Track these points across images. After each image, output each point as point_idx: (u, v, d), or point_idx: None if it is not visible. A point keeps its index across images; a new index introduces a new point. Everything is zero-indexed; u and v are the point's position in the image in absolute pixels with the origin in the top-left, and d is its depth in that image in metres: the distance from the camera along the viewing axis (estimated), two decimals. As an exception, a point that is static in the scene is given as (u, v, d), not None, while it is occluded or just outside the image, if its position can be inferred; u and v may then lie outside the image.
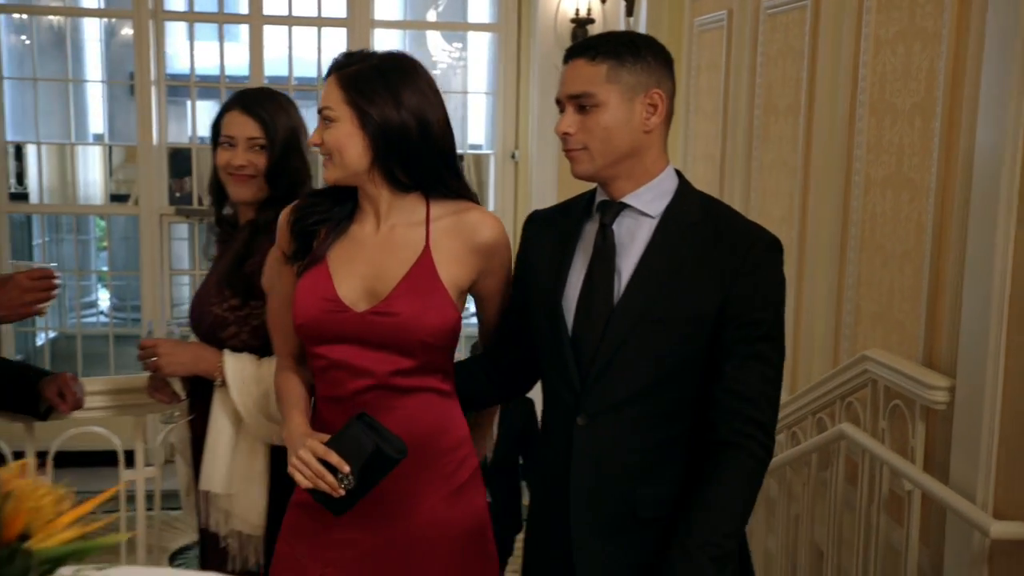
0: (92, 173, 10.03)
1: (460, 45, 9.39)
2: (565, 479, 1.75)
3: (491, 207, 7.74)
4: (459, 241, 1.88)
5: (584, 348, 1.74)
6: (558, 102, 1.77)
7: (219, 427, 2.16)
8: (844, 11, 3.34)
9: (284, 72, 8.20)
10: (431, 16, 9.41)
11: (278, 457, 2.13)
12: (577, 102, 1.73)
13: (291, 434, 1.85)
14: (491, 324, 2.02)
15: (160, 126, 7.69)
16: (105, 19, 9.45)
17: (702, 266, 1.71)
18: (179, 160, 8.49)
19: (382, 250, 1.87)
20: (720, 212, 1.80)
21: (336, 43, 7.85)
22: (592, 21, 6.08)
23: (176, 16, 8.22)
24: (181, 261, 9.09)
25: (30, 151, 8.72)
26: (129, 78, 8.62)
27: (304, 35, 7.96)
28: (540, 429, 1.98)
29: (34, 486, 1.01)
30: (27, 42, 8.46)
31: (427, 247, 1.86)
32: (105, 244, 10.13)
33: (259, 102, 2.29)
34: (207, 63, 8.42)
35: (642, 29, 5.25)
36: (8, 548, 0.98)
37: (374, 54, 1.87)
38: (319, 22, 7.66)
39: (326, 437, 1.77)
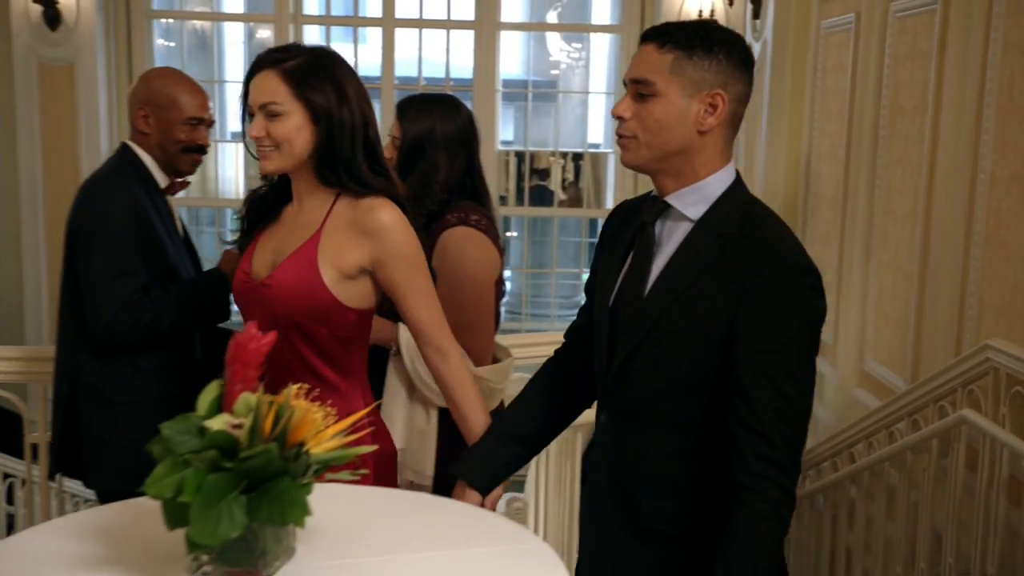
0: (229, 169, 10.58)
1: (579, 45, 9.59)
2: (587, 471, 1.82)
3: (608, 204, 7.94)
4: (349, 225, 1.92)
5: (611, 349, 1.71)
6: (624, 84, 1.70)
7: (394, 390, 2.43)
8: (973, 15, 3.45)
9: (414, 73, 8.54)
10: (551, 17, 9.64)
11: (445, 416, 2.39)
12: (637, 88, 1.65)
13: None
14: (411, 326, 1.99)
15: (297, 124, 8.08)
16: (246, 23, 9.93)
17: (720, 280, 1.61)
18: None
19: (290, 229, 1.96)
20: (756, 224, 1.66)
21: (464, 45, 8.14)
22: (715, 21, 6.22)
23: (314, 20, 8.67)
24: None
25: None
26: (267, 79, 9.10)
27: (433, 37, 8.29)
28: None
29: (307, 406, 1.28)
30: (172, 46, 9.00)
31: (319, 230, 1.91)
32: (240, 236, 10.67)
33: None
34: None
35: (768, 31, 5.38)
36: (294, 450, 1.25)
37: (306, 48, 1.95)
38: (448, 25, 7.96)
39: None
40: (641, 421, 1.69)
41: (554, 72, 10.32)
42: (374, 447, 1.38)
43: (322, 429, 1.29)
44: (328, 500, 1.28)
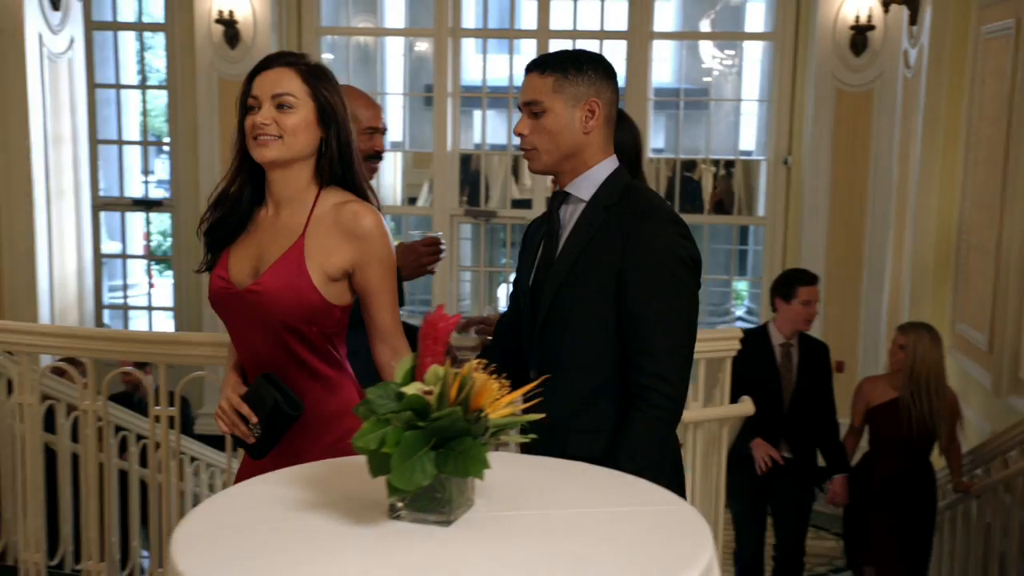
0: (388, 176, 11.05)
1: (732, 52, 9.60)
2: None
3: (760, 212, 7.95)
4: (334, 229, 1.98)
5: (534, 314, 2.08)
6: (519, 108, 2.06)
7: None
8: None
9: (567, 82, 8.75)
10: (704, 25, 9.68)
11: None
12: (530, 109, 2.01)
13: (223, 386, 2.10)
14: (373, 324, 2.07)
15: (454, 134, 8.41)
16: (406, 37, 10.34)
17: (605, 241, 1.98)
18: (466, 165, 9.24)
19: (270, 234, 2.01)
20: (633, 194, 2.05)
21: (616, 54, 8.29)
22: (872, 27, 6.18)
23: (471, 33, 8.99)
24: (465, 259, 9.78)
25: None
26: (425, 90, 9.48)
27: (586, 47, 8.48)
28: None
29: (485, 376, 1.48)
30: (336, 60, 9.49)
31: (303, 235, 1.98)
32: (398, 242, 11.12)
33: None
34: (495, 75, 9.12)
35: (925, 37, 5.34)
36: (475, 414, 1.46)
37: (306, 55, 2.04)
38: (601, 35, 8.12)
39: (244, 391, 2.03)
40: (561, 367, 2.00)
41: (706, 79, 10.36)
42: (542, 415, 1.56)
43: (498, 398, 1.50)
44: (496, 463, 1.48)
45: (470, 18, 9.26)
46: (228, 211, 2.05)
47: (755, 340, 4.10)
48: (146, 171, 9.04)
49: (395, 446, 1.43)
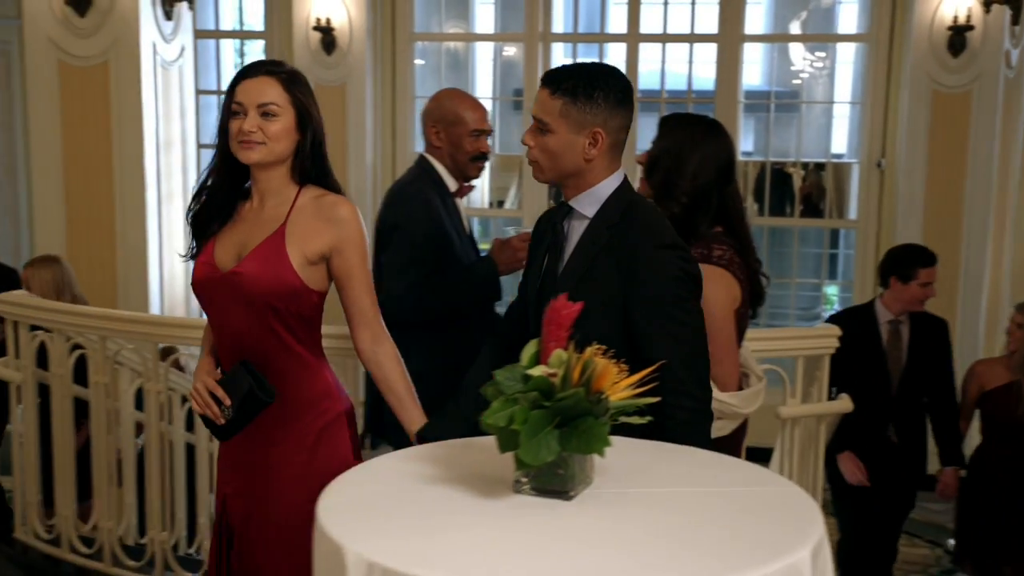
0: (478, 180, 11.19)
1: (823, 54, 9.53)
2: None
3: (852, 215, 7.88)
4: (313, 217, 2.17)
5: (536, 328, 2.05)
6: (533, 118, 2.11)
7: None
8: None
9: (656, 86, 8.79)
10: (795, 27, 9.63)
11: None
12: (538, 124, 2.06)
13: (198, 370, 2.29)
14: (354, 309, 2.24)
15: (544, 137, 8.50)
16: (497, 43, 10.49)
17: (609, 262, 2.03)
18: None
19: (253, 223, 2.19)
20: (635, 214, 2.09)
21: (706, 57, 8.29)
22: (971, 28, 6.09)
23: (561, 37, 9.09)
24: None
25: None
26: (514, 94, 9.61)
27: (675, 51, 8.51)
28: None
29: (606, 361, 1.58)
30: (426, 65, 9.68)
31: (284, 223, 2.16)
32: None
33: None
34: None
35: (1027, 37, 5.26)
36: (596, 396, 1.56)
37: (288, 65, 2.22)
38: (691, 38, 8.14)
39: (219, 376, 2.20)
40: None
41: (796, 82, 10.29)
42: (657, 398, 1.65)
43: (617, 381, 1.59)
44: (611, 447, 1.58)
45: (559, 23, 9.37)
46: (207, 201, 2.24)
47: (860, 318, 3.96)
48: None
49: (523, 424, 1.53)
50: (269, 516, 2.22)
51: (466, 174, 2.98)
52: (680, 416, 1.98)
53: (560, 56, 9.72)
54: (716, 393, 2.39)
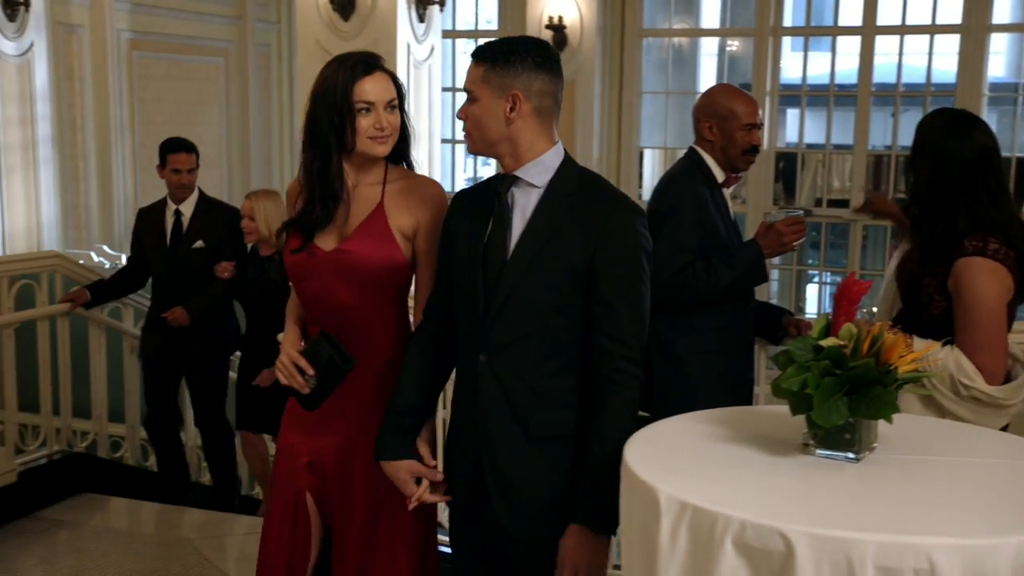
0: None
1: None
2: (473, 404, 2.10)
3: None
4: (408, 195, 2.26)
5: (485, 296, 2.07)
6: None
7: None
8: None
9: (891, 79, 8.58)
10: (1044, 15, 9.12)
11: None
12: (467, 95, 2.10)
13: (284, 342, 2.36)
14: (421, 290, 2.30)
15: (770, 132, 8.49)
16: (719, 37, 10.50)
17: (575, 228, 2.02)
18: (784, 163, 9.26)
19: (349, 206, 2.26)
20: (592, 183, 2.12)
21: (948, 48, 8.02)
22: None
23: (792, 31, 9.02)
24: (786, 257, 9.77)
25: (647, 156, 9.99)
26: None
27: (914, 42, 8.27)
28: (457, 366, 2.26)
29: (896, 338, 1.71)
30: (647, 59, 9.81)
31: (381, 201, 2.25)
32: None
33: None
34: (814, 72, 9.08)
35: None
36: (885, 367, 1.69)
37: (380, 57, 2.29)
38: (932, 29, 7.91)
39: (302, 347, 2.28)
40: (523, 350, 2.06)
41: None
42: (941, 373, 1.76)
43: (904, 355, 1.71)
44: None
45: (789, 16, 9.28)
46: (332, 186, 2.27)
47: None
48: (475, 170, 9.78)
49: (815, 389, 1.68)
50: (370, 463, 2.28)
51: (736, 166, 3.12)
52: (627, 385, 2.02)
53: (789, 50, 9.64)
54: (980, 384, 2.44)
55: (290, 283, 2.42)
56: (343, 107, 2.19)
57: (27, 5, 6.28)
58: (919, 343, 2.40)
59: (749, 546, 1.49)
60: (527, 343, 2.05)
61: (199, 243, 4.60)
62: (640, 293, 2.06)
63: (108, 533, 4.27)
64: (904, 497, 1.62)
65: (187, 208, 4.65)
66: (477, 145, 2.11)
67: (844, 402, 1.69)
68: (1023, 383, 2.57)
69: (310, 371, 2.23)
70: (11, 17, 6.28)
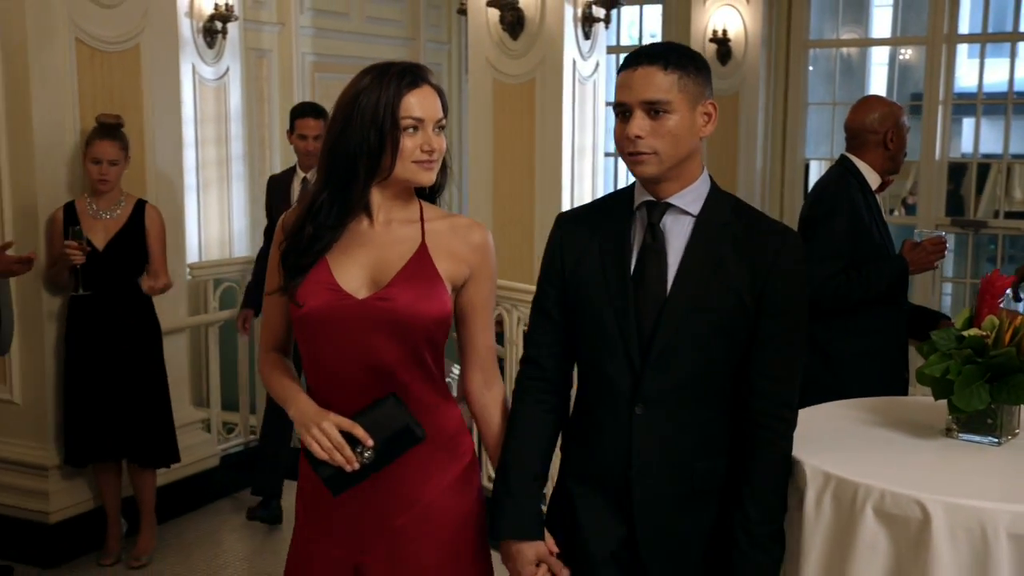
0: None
1: None
2: (625, 462, 1.84)
3: None
4: (454, 239, 1.91)
5: (639, 339, 1.83)
6: (619, 106, 1.83)
7: None
8: None
9: (1076, 86, 8.22)
10: None
11: None
12: (651, 107, 1.79)
13: (303, 411, 1.86)
14: (473, 347, 1.98)
15: (943, 142, 8.28)
16: (890, 46, 10.29)
17: (739, 261, 1.81)
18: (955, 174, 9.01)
19: (381, 244, 1.89)
20: (747, 212, 1.89)
21: None
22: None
23: (968, 39, 8.78)
24: (947, 270, 9.49)
25: (812, 167, 9.85)
26: (911, 98, 9.39)
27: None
28: (578, 423, 1.97)
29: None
30: (812, 70, 9.70)
31: (423, 242, 1.89)
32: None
33: None
34: (991, 80, 8.80)
35: None
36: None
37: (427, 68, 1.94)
38: (1120, 32, 7.56)
39: (356, 411, 1.83)
40: (683, 397, 1.83)
41: None
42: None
43: (1046, 347, 1.81)
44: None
45: (965, 22, 9.02)
46: (322, 222, 1.91)
47: None
48: (615, 183, 9.88)
49: (957, 375, 1.80)
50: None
51: (896, 171, 3.25)
52: (782, 433, 1.83)
53: (964, 58, 9.36)
54: None
55: (296, 341, 1.98)
56: (384, 124, 1.83)
57: (224, 33, 6.87)
58: None
59: (888, 513, 1.62)
60: (692, 388, 1.83)
61: None
62: (803, 337, 1.87)
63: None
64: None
65: (315, 176, 4.76)
66: (664, 165, 1.82)
67: (986, 389, 1.80)
68: None
69: (370, 441, 1.80)
70: (210, 44, 6.88)
